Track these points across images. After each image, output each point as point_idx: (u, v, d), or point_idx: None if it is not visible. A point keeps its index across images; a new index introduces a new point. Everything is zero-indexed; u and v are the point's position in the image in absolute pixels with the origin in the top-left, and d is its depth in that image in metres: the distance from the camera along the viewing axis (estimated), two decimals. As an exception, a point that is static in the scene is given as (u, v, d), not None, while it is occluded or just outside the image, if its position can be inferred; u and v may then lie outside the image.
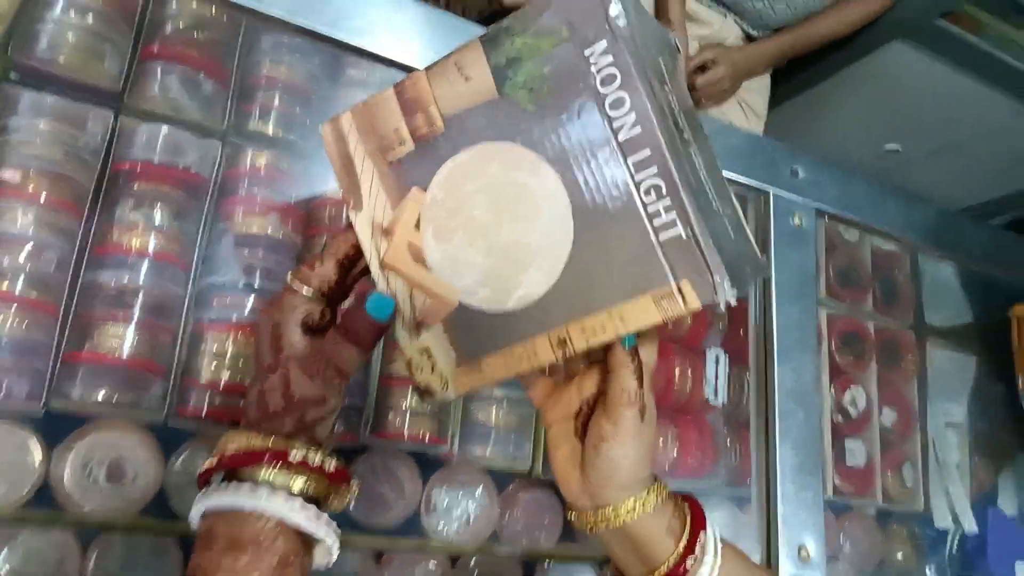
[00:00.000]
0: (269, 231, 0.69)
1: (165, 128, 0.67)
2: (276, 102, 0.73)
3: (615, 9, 0.38)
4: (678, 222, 0.37)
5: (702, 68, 1.30)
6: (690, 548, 0.46)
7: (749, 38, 1.41)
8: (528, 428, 0.77)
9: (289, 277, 0.47)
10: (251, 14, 0.69)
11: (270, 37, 0.73)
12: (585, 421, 0.48)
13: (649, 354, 0.47)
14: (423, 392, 0.47)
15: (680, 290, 0.37)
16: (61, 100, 0.63)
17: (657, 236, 0.38)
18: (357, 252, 0.47)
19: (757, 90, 1.44)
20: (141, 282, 0.63)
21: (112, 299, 0.62)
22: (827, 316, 1.01)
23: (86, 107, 0.64)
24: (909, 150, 1.80)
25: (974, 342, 1.18)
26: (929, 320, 1.13)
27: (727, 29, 1.38)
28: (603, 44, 0.38)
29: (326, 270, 0.46)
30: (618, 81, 0.38)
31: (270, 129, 0.72)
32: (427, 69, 0.44)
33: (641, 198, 0.38)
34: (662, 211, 0.37)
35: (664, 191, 0.37)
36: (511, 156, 0.41)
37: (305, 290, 0.46)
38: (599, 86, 0.38)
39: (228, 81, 0.71)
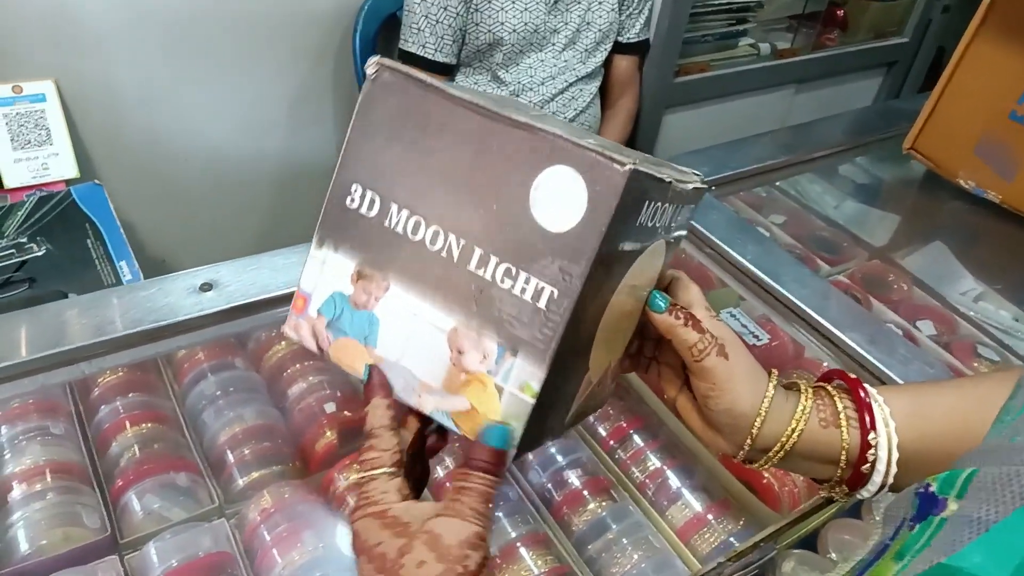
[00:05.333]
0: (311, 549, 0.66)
1: (169, 534, 0.66)
2: (246, 452, 0.74)
3: None
4: None
5: None
6: (863, 429, 0.44)
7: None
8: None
9: (357, 475, 0.41)
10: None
11: (209, 411, 0.76)
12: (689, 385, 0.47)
13: (687, 291, 0.47)
14: None
15: None
16: (63, 574, 0.61)
17: None
18: (396, 407, 0.43)
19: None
20: None
21: None
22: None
23: (90, 568, 0.63)
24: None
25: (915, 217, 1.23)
26: (867, 239, 1.19)
27: None
28: None
29: (386, 442, 0.41)
30: None
31: (254, 476, 0.72)
32: None
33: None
34: None
35: None
36: None
37: (382, 471, 0.40)
38: None
39: (196, 465, 0.72)
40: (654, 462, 0.80)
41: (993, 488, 0.28)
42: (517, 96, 1.47)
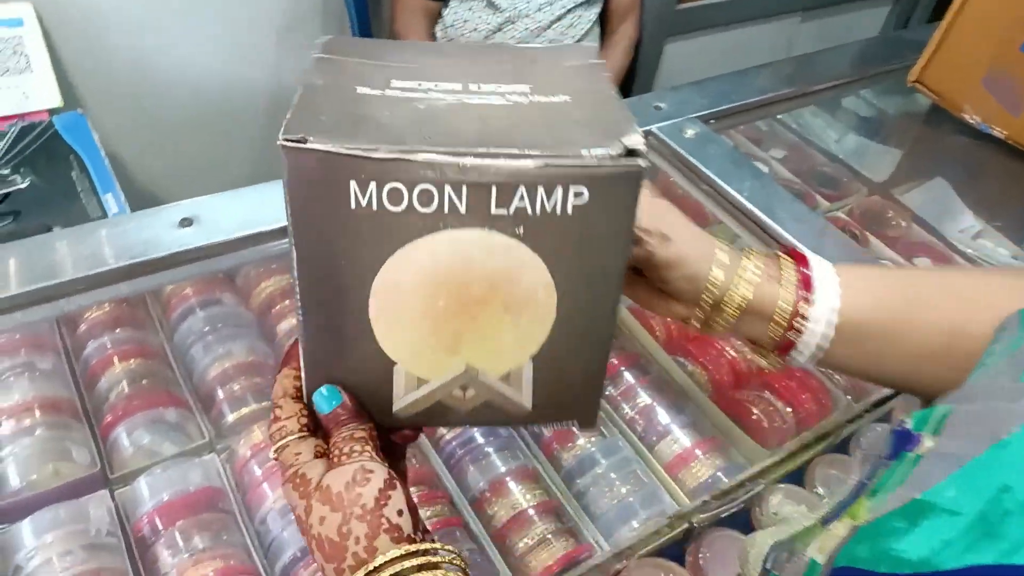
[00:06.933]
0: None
1: (159, 469, 0.66)
2: (236, 388, 0.74)
3: None
4: None
5: None
6: (803, 284, 0.45)
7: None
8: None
9: (272, 453, 0.40)
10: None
11: (198, 347, 0.76)
12: None
13: None
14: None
15: None
16: (55, 509, 0.62)
17: None
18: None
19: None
20: (224, 608, 0.59)
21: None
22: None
23: (81, 502, 0.63)
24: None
25: (917, 153, 1.21)
26: (868, 175, 1.17)
27: None
28: None
29: (287, 410, 0.40)
30: None
31: (244, 411, 0.72)
32: None
33: None
34: None
35: None
36: None
37: (290, 438, 0.39)
38: None
39: (186, 400, 0.72)
40: (644, 399, 0.80)
41: (969, 425, 0.27)
42: (513, 23, 1.42)
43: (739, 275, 0.45)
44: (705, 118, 0.87)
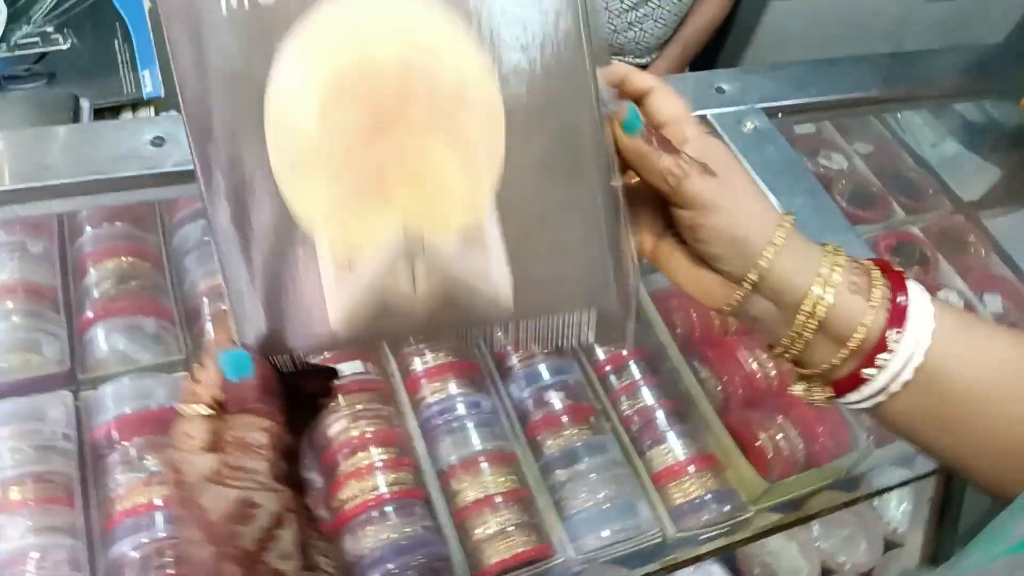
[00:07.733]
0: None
1: (127, 379, 0.64)
2: (223, 307, 0.70)
3: None
4: None
5: None
6: (893, 314, 0.34)
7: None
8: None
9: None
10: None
11: (193, 255, 0.72)
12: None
13: (668, 103, 0.36)
14: None
15: None
16: (13, 401, 0.60)
17: None
18: None
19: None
20: (167, 534, 0.57)
21: (143, 563, 0.56)
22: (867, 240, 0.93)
23: (41, 398, 0.61)
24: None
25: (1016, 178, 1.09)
26: (957, 190, 1.06)
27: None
28: None
29: (210, 373, 0.33)
30: None
31: (228, 333, 0.69)
32: None
33: None
34: None
35: None
36: None
37: (197, 408, 0.33)
38: None
39: (170, 311, 0.70)
40: (646, 398, 0.75)
41: None
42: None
43: (820, 274, 0.34)
44: (772, 110, 0.76)
